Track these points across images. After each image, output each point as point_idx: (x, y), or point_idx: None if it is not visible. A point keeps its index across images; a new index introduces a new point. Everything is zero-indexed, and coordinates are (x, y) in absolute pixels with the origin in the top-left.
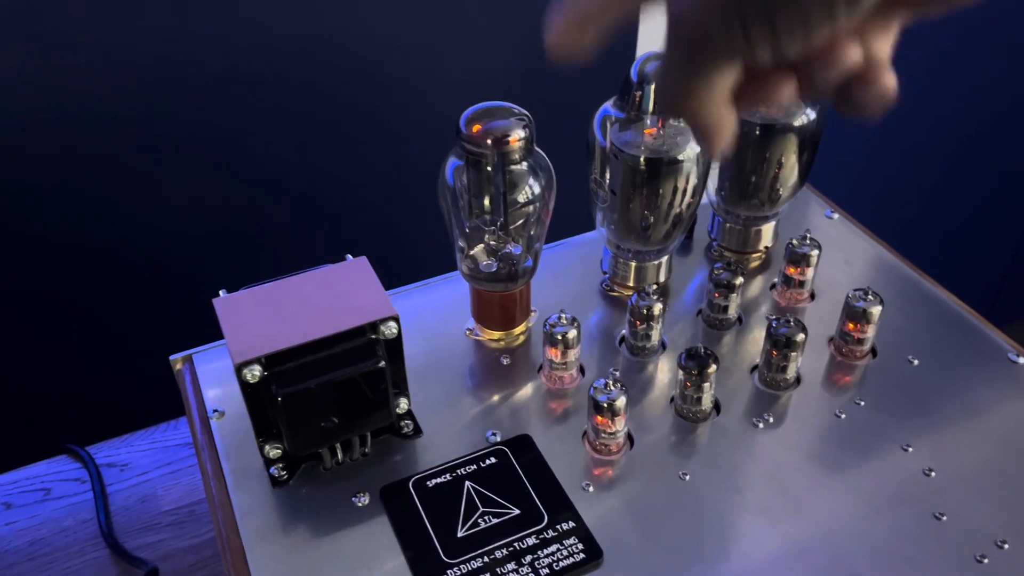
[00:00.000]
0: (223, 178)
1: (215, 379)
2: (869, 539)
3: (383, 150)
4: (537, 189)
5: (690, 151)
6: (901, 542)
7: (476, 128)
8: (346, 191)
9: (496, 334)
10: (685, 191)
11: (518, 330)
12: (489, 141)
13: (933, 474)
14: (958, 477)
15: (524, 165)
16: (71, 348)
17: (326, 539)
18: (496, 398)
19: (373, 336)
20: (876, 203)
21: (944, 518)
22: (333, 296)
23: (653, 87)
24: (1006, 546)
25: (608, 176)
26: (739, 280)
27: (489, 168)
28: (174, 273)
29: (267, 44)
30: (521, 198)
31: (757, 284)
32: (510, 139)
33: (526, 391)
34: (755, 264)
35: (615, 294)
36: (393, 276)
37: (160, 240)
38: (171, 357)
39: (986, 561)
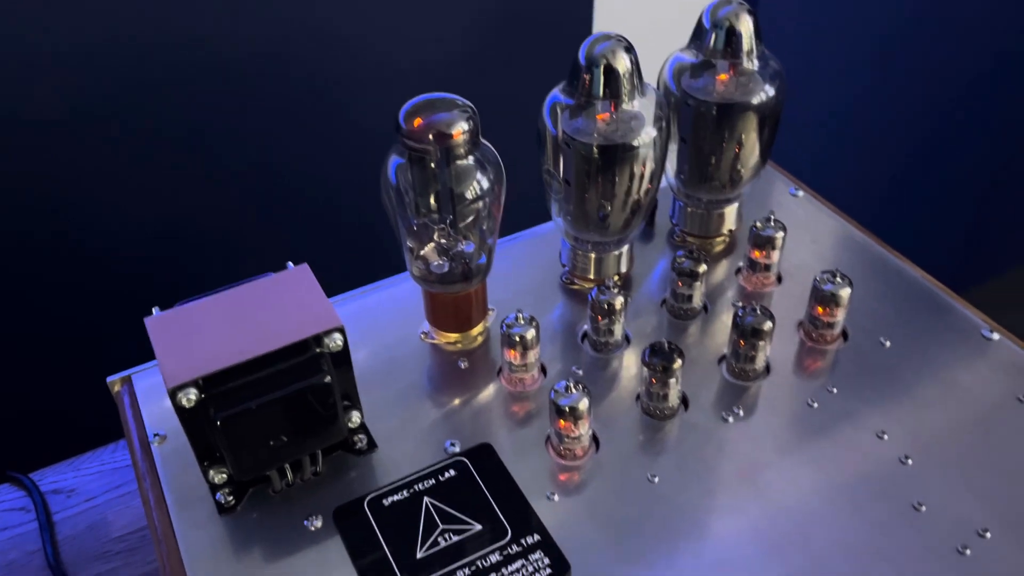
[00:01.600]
0: (163, 181)
1: (156, 400)
2: (847, 534)
3: (323, 146)
4: (486, 184)
5: (645, 136)
6: (880, 536)
7: (417, 122)
8: (289, 190)
9: (452, 336)
10: (642, 177)
11: (475, 331)
12: (431, 136)
13: (910, 462)
14: (936, 464)
15: (470, 159)
16: (6, 368)
17: (278, 567)
18: (455, 404)
19: (317, 350)
20: (841, 177)
21: (923, 508)
22: (273, 309)
23: (603, 68)
24: (988, 535)
25: (561, 166)
26: (702, 268)
27: (433, 164)
28: (112, 285)
29: (197, 40)
30: (469, 194)
31: (722, 269)
32: (453, 133)
33: (486, 395)
34: (719, 248)
35: (576, 287)
36: (342, 278)
37: (97, 249)
38: (108, 379)
39: (968, 552)
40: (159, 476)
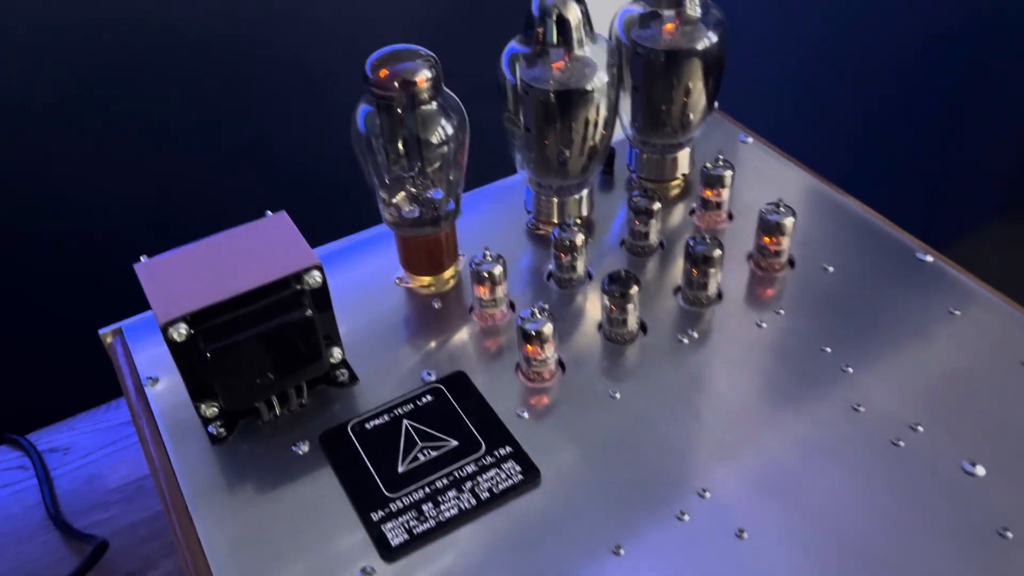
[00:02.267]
0: (136, 145)
1: (147, 348)
2: (793, 432)
3: (294, 104)
4: (450, 130)
5: (598, 80)
6: (821, 432)
7: (383, 72)
8: (262, 149)
9: (426, 280)
10: (597, 120)
11: (447, 274)
12: (396, 84)
13: (850, 370)
14: (874, 371)
15: (434, 105)
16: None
17: (270, 490)
18: (430, 342)
19: (298, 287)
20: (805, 137)
21: (861, 408)
22: (255, 251)
23: (555, 18)
24: (920, 428)
25: (521, 113)
26: (656, 205)
27: (399, 111)
28: (95, 249)
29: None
30: (435, 139)
31: (678, 212)
32: (417, 80)
33: (459, 332)
34: (675, 192)
35: (541, 232)
36: (319, 233)
37: (77, 215)
38: (100, 331)
39: (902, 444)
40: (154, 414)
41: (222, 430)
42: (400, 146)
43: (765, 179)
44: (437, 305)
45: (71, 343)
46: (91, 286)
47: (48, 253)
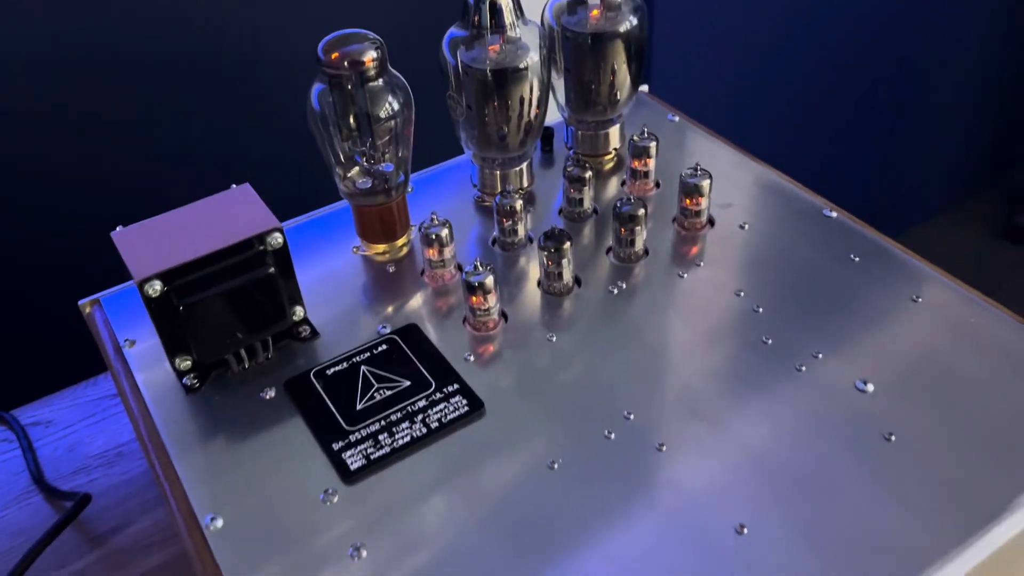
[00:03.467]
0: (106, 134)
1: (123, 314)
2: (707, 363)
3: (254, 91)
4: (396, 106)
5: (530, 60)
6: (734, 363)
7: (334, 55)
8: (222, 135)
9: (380, 247)
10: (531, 99)
11: (400, 242)
12: (346, 63)
13: (760, 310)
14: (781, 309)
15: (380, 83)
16: None
17: (241, 431)
18: (385, 302)
19: (261, 247)
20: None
21: (769, 341)
22: (221, 217)
23: (488, 4)
24: (820, 356)
25: (463, 93)
26: (588, 174)
27: (349, 87)
28: (73, 233)
29: None
30: (382, 114)
31: (612, 184)
32: (364, 59)
33: (412, 293)
34: (609, 166)
35: (487, 204)
36: (283, 210)
37: (55, 200)
38: (80, 302)
39: (804, 369)
40: (132, 371)
41: (195, 381)
42: (351, 121)
43: (689, 152)
44: (391, 270)
45: (50, 324)
46: (71, 271)
47: (28, 237)
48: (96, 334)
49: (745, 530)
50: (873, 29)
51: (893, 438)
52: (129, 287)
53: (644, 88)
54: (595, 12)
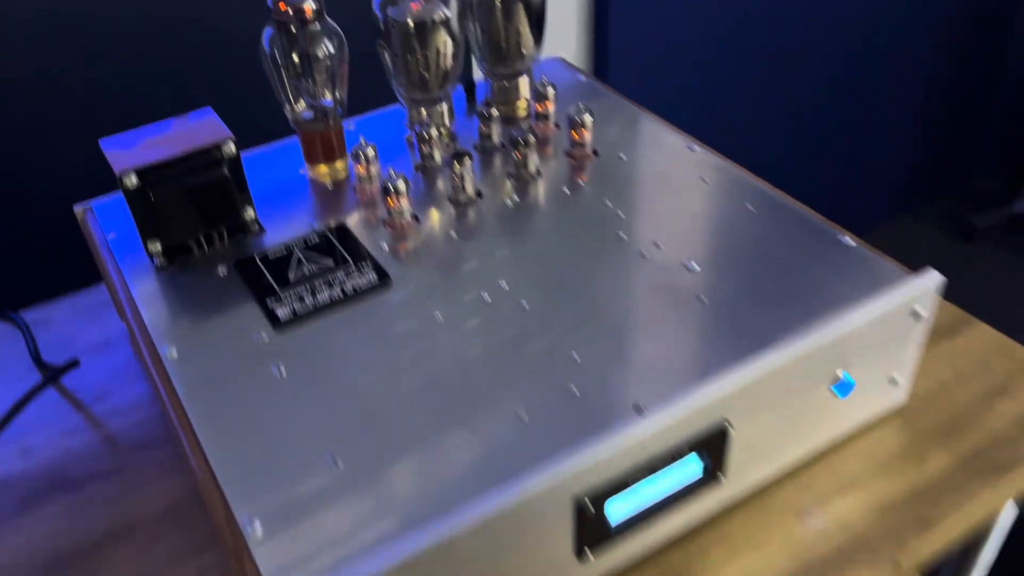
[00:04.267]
0: (96, 57)
1: (110, 216)
2: (573, 250)
3: (221, 39)
4: (332, 48)
5: (443, 15)
6: (595, 250)
7: (281, 4)
8: (195, 76)
9: (323, 168)
10: (445, 46)
11: (339, 165)
12: (290, 11)
13: (622, 216)
14: (638, 214)
15: (318, 27)
16: None
17: (198, 298)
18: (322, 210)
19: (218, 155)
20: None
21: (623, 235)
22: (188, 131)
23: None
24: (660, 246)
25: (391, 43)
26: (494, 111)
27: (294, 30)
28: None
29: None
30: (320, 54)
31: (522, 126)
32: (305, 8)
33: (345, 204)
34: (521, 113)
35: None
36: (243, 141)
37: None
38: (75, 207)
39: (646, 255)
40: (113, 254)
41: (164, 261)
42: (296, 60)
43: (588, 102)
44: (330, 187)
45: (51, 233)
46: (67, 184)
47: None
48: (86, 231)
49: (577, 357)
50: (831, 36)
51: (704, 300)
52: (115, 196)
53: (562, 55)
54: None
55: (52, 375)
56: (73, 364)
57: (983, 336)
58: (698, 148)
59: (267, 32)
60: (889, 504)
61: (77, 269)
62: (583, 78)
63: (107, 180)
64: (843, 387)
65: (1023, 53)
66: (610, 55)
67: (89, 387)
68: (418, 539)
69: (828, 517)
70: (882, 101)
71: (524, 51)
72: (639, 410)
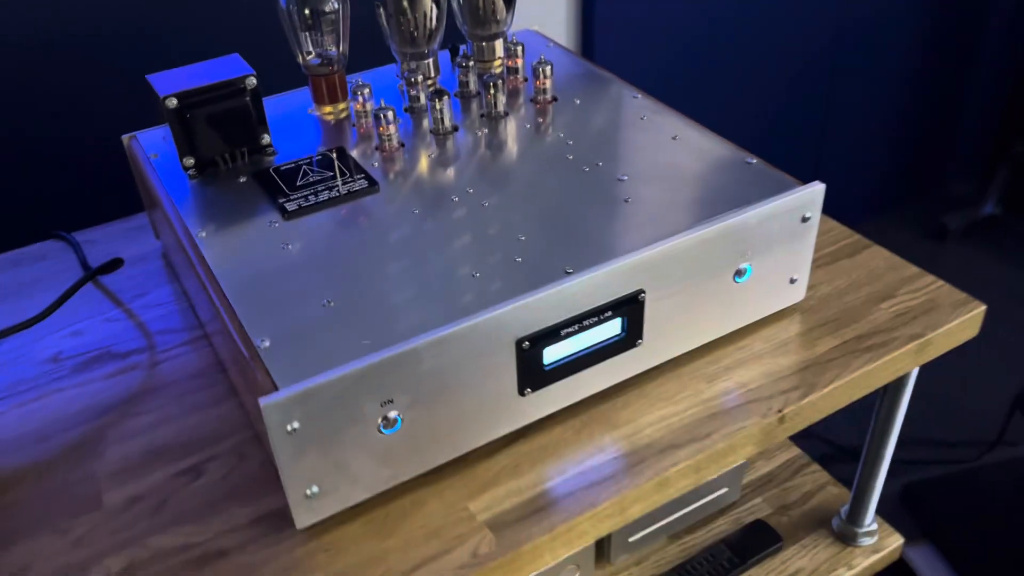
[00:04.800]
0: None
1: (152, 143)
2: (530, 170)
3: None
4: (337, 4)
5: None
6: (546, 166)
7: None
8: (225, 31)
9: (327, 108)
10: (430, 10)
11: (340, 106)
12: None
13: (571, 143)
14: (584, 143)
15: None
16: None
17: (222, 198)
18: (325, 139)
19: (242, 86)
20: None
21: (571, 157)
22: (218, 67)
23: None
24: (600, 164)
25: (387, 3)
26: (471, 62)
27: None
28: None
29: None
30: (327, 9)
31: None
32: None
33: (344, 135)
34: (497, 70)
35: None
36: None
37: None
38: (122, 136)
39: (587, 169)
40: (155, 168)
41: (195, 172)
42: (306, 13)
43: (555, 64)
44: (332, 121)
45: (98, 162)
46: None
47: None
48: (131, 155)
49: (523, 238)
50: (805, 40)
51: (629, 201)
52: (154, 129)
53: (536, 27)
54: None
55: (96, 270)
56: (117, 262)
57: (879, 256)
58: (640, 96)
59: None
60: (781, 374)
61: (117, 199)
62: (550, 44)
63: (142, 120)
64: (743, 276)
65: (994, 64)
66: (595, 40)
67: (127, 288)
68: (390, 350)
69: (731, 381)
70: (857, 106)
71: (498, 16)
72: (568, 273)
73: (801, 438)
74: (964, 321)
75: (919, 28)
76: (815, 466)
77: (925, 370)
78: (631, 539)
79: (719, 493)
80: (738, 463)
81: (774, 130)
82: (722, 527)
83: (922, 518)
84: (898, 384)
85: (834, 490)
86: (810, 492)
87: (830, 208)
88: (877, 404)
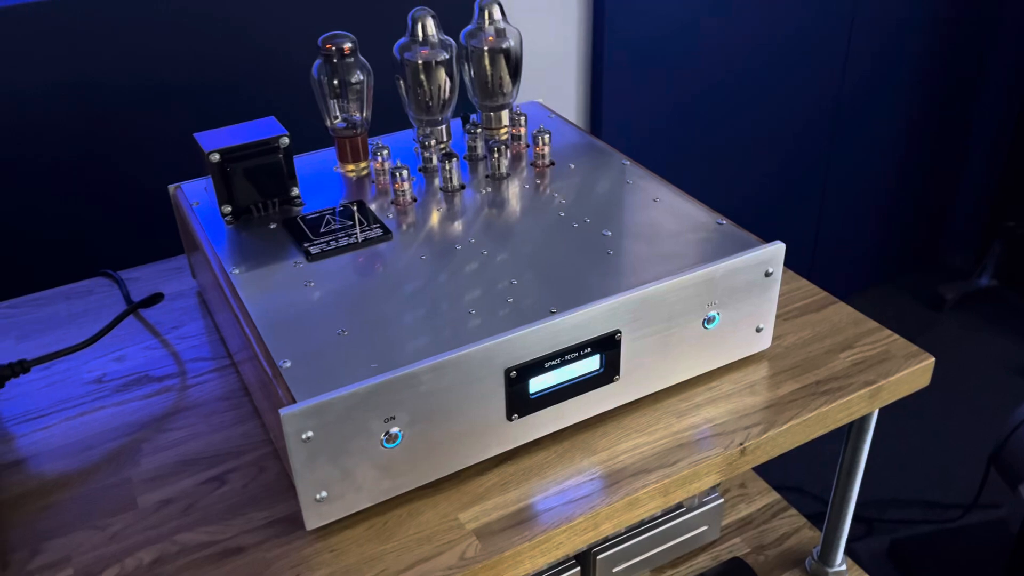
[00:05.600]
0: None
1: (195, 194)
2: (526, 224)
3: (280, 71)
4: (362, 76)
5: (442, 58)
6: (541, 222)
7: (328, 45)
8: (261, 97)
9: (350, 166)
10: (444, 82)
11: (362, 165)
12: (334, 48)
13: (564, 202)
14: (575, 202)
15: (353, 61)
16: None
17: (257, 243)
18: (347, 193)
19: (275, 145)
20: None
21: (563, 214)
22: (257, 128)
23: (420, 25)
24: (588, 220)
25: (406, 76)
26: (479, 129)
27: (335, 62)
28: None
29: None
30: (353, 80)
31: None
32: (345, 47)
33: (364, 190)
34: (503, 136)
35: (418, 150)
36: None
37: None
38: (169, 186)
39: (576, 225)
40: (196, 214)
41: (231, 219)
42: (335, 84)
43: (554, 131)
44: (354, 178)
45: (144, 208)
46: (153, 175)
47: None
48: (176, 203)
49: (515, 282)
50: (807, 114)
51: (611, 253)
52: (195, 181)
53: (540, 100)
54: (490, 38)
55: (138, 304)
56: (157, 296)
57: (843, 312)
58: (628, 162)
59: (316, 64)
60: (746, 411)
61: (158, 242)
62: (551, 115)
63: (183, 173)
64: (711, 323)
65: (989, 138)
66: (603, 109)
67: (165, 321)
68: (393, 372)
69: (700, 417)
70: (854, 179)
71: (504, 90)
72: (552, 312)
73: (792, 493)
74: (915, 371)
75: (915, 102)
76: (792, 510)
77: (915, 433)
78: (615, 570)
79: (700, 531)
80: (704, 488)
81: (774, 203)
82: (702, 563)
83: (908, 574)
84: (860, 428)
85: (809, 533)
86: (786, 534)
87: (827, 276)
88: (842, 447)
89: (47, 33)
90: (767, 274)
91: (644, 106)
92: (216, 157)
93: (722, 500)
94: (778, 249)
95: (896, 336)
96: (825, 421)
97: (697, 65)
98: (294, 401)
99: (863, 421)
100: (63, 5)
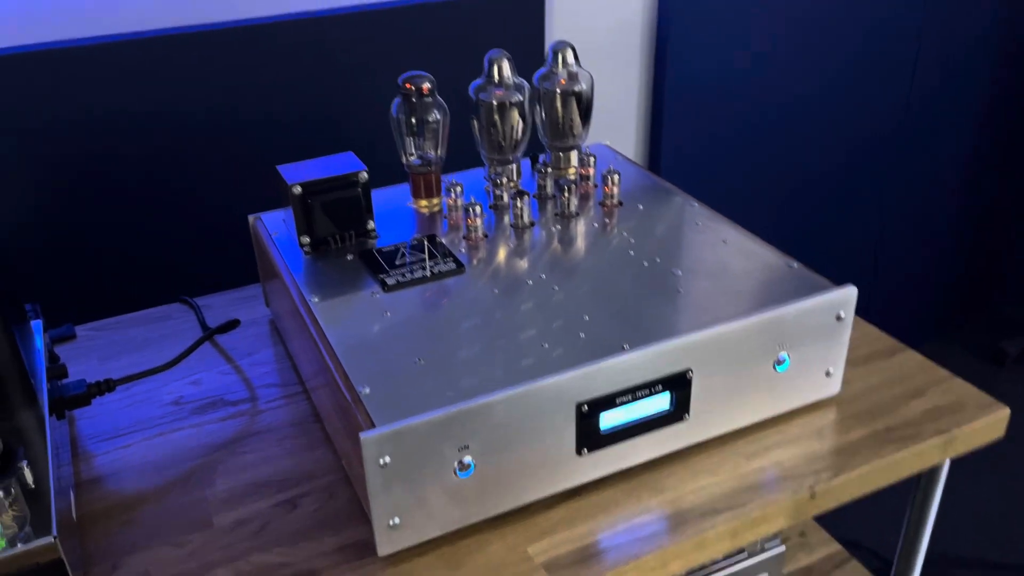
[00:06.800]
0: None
1: (274, 224)
2: (597, 261)
3: (362, 111)
4: (439, 116)
5: (516, 99)
6: (612, 260)
7: (408, 83)
8: (344, 137)
9: (423, 201)
10: (517, 122)
11: (435, 201)
12: (413, 87)
13: (632, 240)
14: (646, 241)
15: (430, 100)
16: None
17: (332, 272)
18: (420, 227)
19: (355, 179)
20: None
21: (632, 252)
22: (336, 163)
23: (496, 67)
24: (658, 260)
25: (480, 116)
26: (549, 170)
27: (414, 101)
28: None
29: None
30: (430, 119)
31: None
32: (423, 87)
33: (437, 225)
34: (572, 176)
35: (488, 188)
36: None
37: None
38: (249, 216)
39: (646, 264)
40: (276, 244)
41: (309, 249)
42: (413, 122)
43: (623, 173)
44: (427, 213)
45: (223, 237)
46: (230, 205)
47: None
48: (255, 233)
49: (587, 318)
50: (856, 172)
51: (681, 292)
52: (277, 212)
53: (607, 142)
54: (563, 80)
55: (214, 330)
56: (234, 323)
57: (913, 359)
58: (696, 204)
59: (395, 102)
60: (815, 456)
61: (233, 271)
62: (619, 157)
63: (259, 204)
64: (782, 365)
65: None
66: (662, 153)
67: (239, 348)
68: (468, 402)
69: (768, 460)
70: (912, 229)
71: (575, 131)
72: (624, 348)
73: (849, 547)
74: (990, 420)
75: (971, 153)
76: (855, 562)
77: (983, 488)
78: None
79: None
80: (771, 531)
81: (831, 247)
82: None
83: None
84: (930, 479)
85: None
86: None
87: (888, 330)
88: (911, 497)
89: (141, 67)
90: (838, 318)
91: (702, 145)
92: (298, 190)
93: (784, 548)
94: (850, 292)
95: (969, 385)
96: (897, 469)
97: (755, 105)
98: (373, 426)
99: (933, 472)
100: (159, 42)
